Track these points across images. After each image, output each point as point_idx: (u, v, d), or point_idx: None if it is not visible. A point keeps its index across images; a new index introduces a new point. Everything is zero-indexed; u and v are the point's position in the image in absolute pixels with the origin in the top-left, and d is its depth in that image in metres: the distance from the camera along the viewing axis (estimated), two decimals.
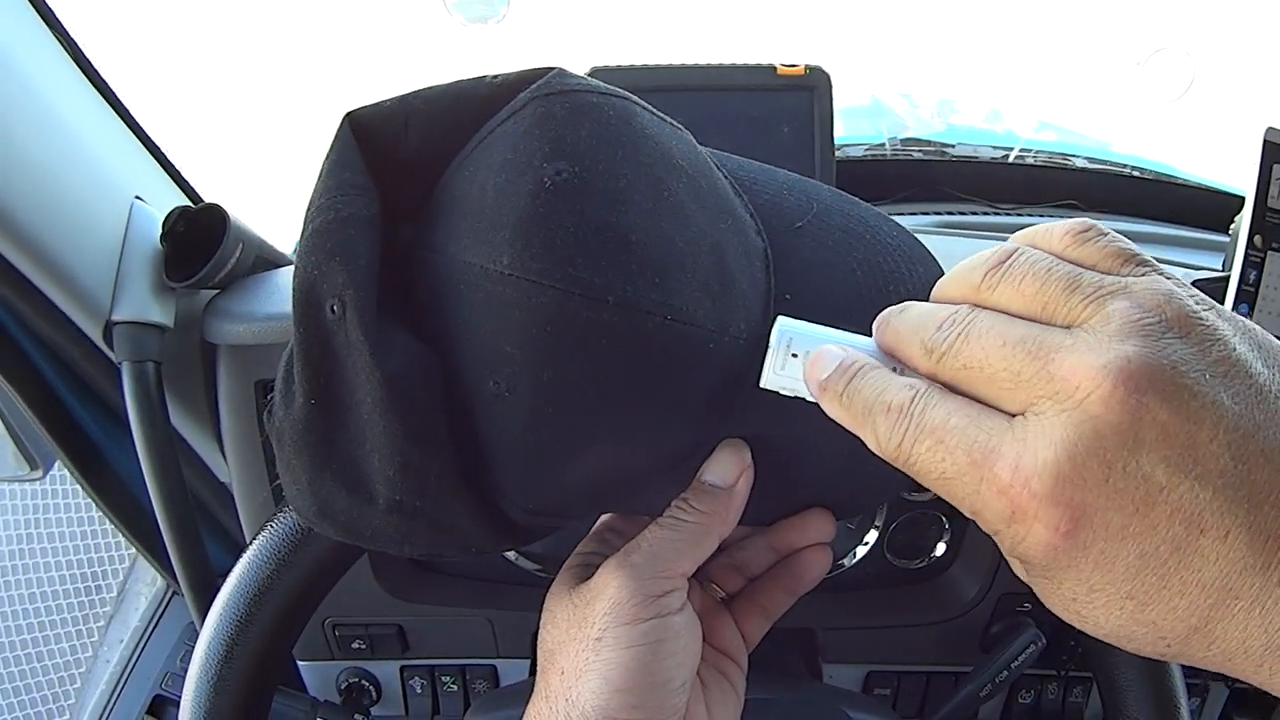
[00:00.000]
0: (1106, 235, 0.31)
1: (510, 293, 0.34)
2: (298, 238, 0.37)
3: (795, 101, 0.75)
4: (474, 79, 0.39)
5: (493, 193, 0.35)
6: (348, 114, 0.39)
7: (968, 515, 0.30)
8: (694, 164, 0.39)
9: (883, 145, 1.11)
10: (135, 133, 0.76)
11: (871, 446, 0.32)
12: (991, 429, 0.28)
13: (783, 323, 0.36)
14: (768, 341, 0.35)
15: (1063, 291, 0.29)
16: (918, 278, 0.41)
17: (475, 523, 0.39)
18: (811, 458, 0.41)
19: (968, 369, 0.30)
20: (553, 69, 0.39)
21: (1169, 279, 0.29)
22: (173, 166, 0.80)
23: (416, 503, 0.37)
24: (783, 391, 0.36)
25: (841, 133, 1.21)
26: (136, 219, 0.71)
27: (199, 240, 0.71)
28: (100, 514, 0.91)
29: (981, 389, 0.30)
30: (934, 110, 1.51)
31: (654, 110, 0.40)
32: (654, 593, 0.38)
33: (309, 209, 0.37)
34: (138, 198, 0.72)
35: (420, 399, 0.36)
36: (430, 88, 0.39)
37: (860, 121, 1.35)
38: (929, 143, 1.15)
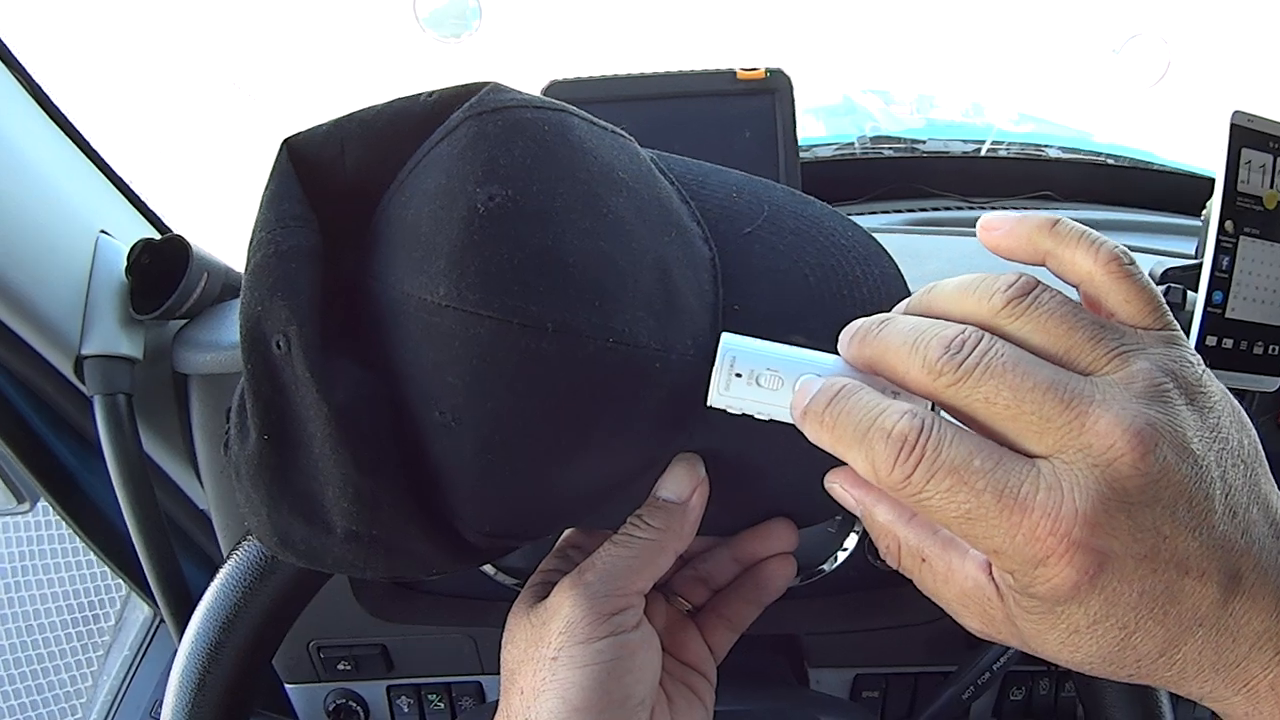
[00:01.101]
0: (1140, 275, 0.32)
1: (448, 324, 0.34)
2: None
3: (756, 105, 0.74)
4: (409, 97, 0.39)
5: (428, 221, 0.35)
6: (285, 140, 0.39)
7: (980, 552, 0.31)
8: (636, 175, 0.38)
9: (852, 144, 1.11)
10: (99, 166, 0.76)
11: (863, 473, 0.31)
12: (1018, 472, 0.29)
13: (727, 341, 0.36)
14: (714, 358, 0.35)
15: (1088, 340, 0.30)
16: (873, 279, 0.41)
17: (433, 547, 0.39)
18: (770, 469, 0.41)
19: (990, 403, 0.30)
20: (487, 84, 0.38)
21: (1180, 343, 0.31)
22: (138, 198, 0.80)
23: (373, 531, 0.37)
24: (730, 410, 0.36)
25: (815, 133, 1.21)
26: (102, 253, 0.71)
27: (164, 272, 0.71)
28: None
29: (1002, 425, 0.30)
30: (912, 106, 1.51)
31: (594, 120, 0.39)
32: (608, 611, 0.38)
33: (250, 243, 0.37)
34: (103, 232, 0.72)
35: (369, 430, 0.36)
36: (366, 109, 0.39)
37: (836, 120, 1.35)
38: (899, 139, 1.14)
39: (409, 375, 0.35)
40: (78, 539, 0.98)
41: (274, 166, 0.38)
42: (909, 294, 0.40)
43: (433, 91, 0.39)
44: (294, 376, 0.35)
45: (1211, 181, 1.18)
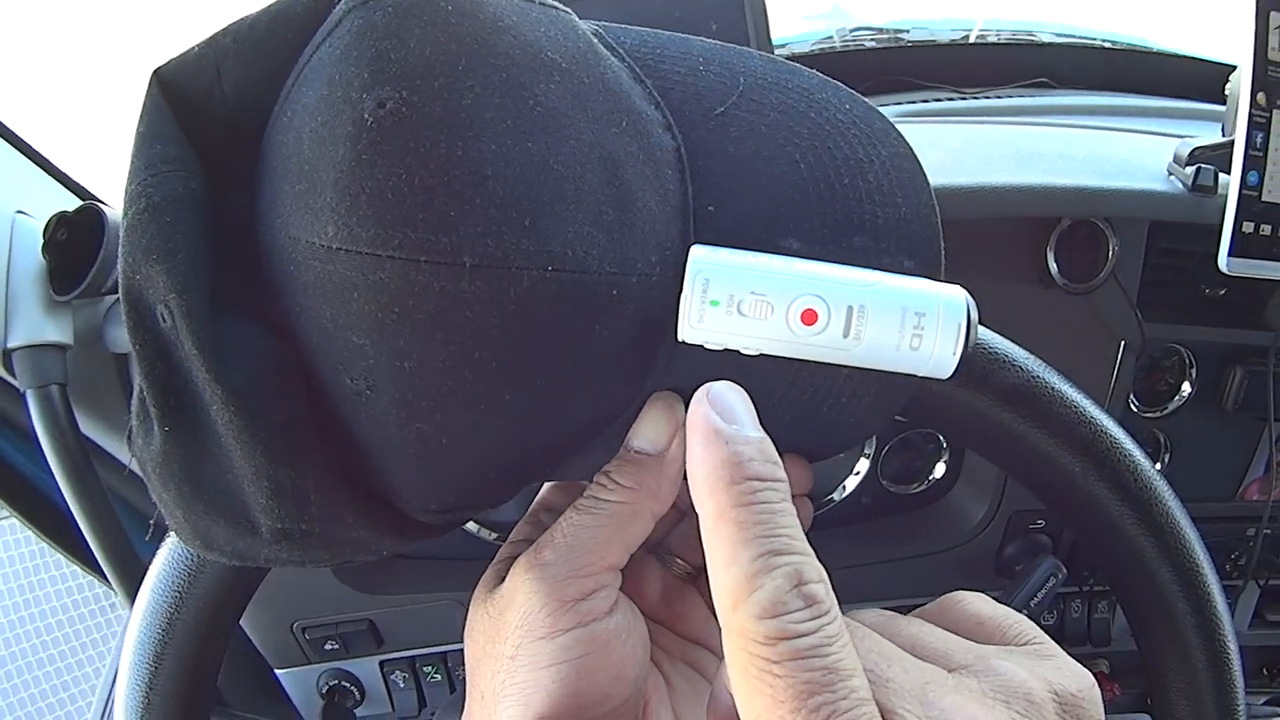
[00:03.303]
0: None
1: (343, 271, 0.27)
2: None
3: None
4: None
5: (310, 143, 0.28)
6: (155, 71, 0.32)
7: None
8: (572, 54, 0.31)
9: (830, 38, 1.02)
10: (9, 141, 0.71)
11: (733, 583, 0.25)
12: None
13: (697, 258, 0.29)
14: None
15: None
16: (881, 162, 0.33)
17: (376, 533, 0.33)
18: (770, 402, 0.34)
19: None
20: None
21: None
22: (57, 169, 0.74)
23: (302, 526, 0.31)
24: (709, 346, 0.29)
25: (787, 32, 1.13)
26: (19, 235, 0.66)
27: (86, 245, 0.65)
28: None
29: None
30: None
31: None
32: (572, 596, 0.32)
33: (124, 198, 0.30)
34: (20, 212, 0.66)
35: (277, 412, 0.29)
36: (242, 19, 0.32)
37: (812, 22, 1.27)
38: (881, 30, 1.06)
39: (310, 339, 0.29)
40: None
41: (143, 103, 0.32)
42: (925, 179, 0.33)
43: None
44: (184, 353, 0.29)
45: (1212, 64, 1.11)
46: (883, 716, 0.24)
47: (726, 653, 0.25)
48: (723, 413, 0.27)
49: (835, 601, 0.25)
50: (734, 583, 0.25)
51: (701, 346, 0.30)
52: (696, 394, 0.28)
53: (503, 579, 0.34)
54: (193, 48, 0.32)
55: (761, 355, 0.29)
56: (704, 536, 0.26)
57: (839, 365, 0.30)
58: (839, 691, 0.23)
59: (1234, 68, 0.70)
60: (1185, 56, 1.15)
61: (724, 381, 0.29)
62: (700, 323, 0.29)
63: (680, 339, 0.29)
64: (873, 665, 0.26)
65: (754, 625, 0.24)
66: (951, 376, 0.30)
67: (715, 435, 0.27)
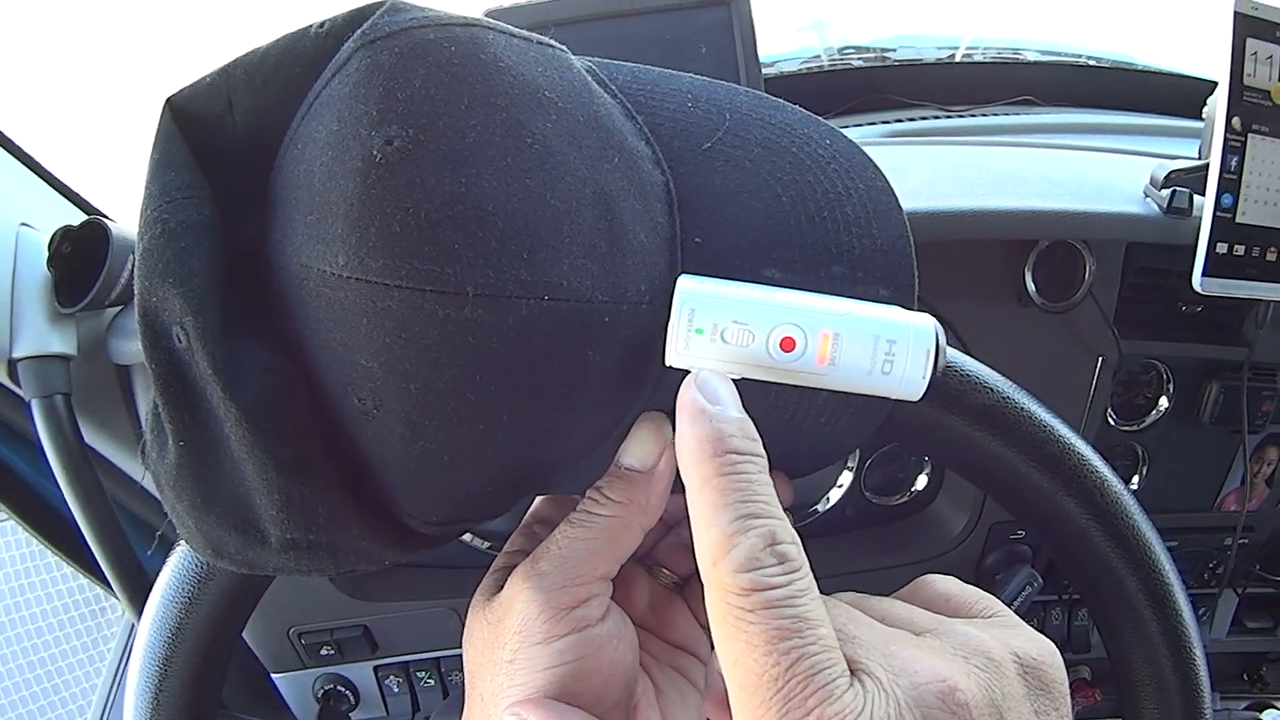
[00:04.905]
0: None
1: (352, 298, 0.29)
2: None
3: (712, 19, 0.69)
4: (299, 31, 0.33)
5: (320, 176, 0.30)
6: (168, 100, 0.34)
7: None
8: (567, 92, 0.33)
9: (818, 57, 1.05)
10: (12, 154, 0.71)
11: (709, 544, 0.27)
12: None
13: (684, 289, 0.31)
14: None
15: None
16: (858, 195, 0.35)
17: (380, 544, 0.35)
18: (754, 420, 0.36)
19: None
20: (384, 2, 0.33)
21: None
22: (59, 182, 0.75)
23: (310, 536, 0.33)
24: (694, 370, 0.31)
25: (776, 49, 1.15)
26: (23, 248, 0.67)
27: (90, 258, 0.66)
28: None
29: None
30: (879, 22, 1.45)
31: (513, 31, 0.34)
32: (567, 604, 0.34)
33: (139, 222, 0.32)
34: (24, 224, 0.68)
35: (287, 428, 0.31)
36: (252, 51, 0.34)
37: (800, 36, 1.29)
38: (868, 49, 1.08)
39: (320, 360, 0.31)
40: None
41: (157, 130, 0.33)
42: (900, 211, 0.35)
43: (324, 21, 0.33)
44: (199, 373, 0.31)
45: (1199, 81, 1.12)
46: (848, 665, 0.26)
47: (708, 607, 0.27)
48: (708, 396, 0.29)
49: (806, 562, 0.27)
50: (713, 542, 0.27)
51: (687, 371, 0.31)
52: (686, 380, 0.30)
53: (500, 587, 0.36)
54: (204, 77, 0.34)
55: (744, 379, 0.31)
56: (689, 503, 0.28)
57: (816, 388, 0.32)
58: (808, 638, 0.26)
59: (1215, 84, 0.72)
60: (1168, 73, 1.17)
61: (710, 370, 0.31)
62: (686, 349, 0.30)
63: (667, 364, 0.31)
64: (841, 625, 0.28)
65: (731, 578, 0.26)
66: (922, 398, 0.32)
67: (701, 414, 0.29)
